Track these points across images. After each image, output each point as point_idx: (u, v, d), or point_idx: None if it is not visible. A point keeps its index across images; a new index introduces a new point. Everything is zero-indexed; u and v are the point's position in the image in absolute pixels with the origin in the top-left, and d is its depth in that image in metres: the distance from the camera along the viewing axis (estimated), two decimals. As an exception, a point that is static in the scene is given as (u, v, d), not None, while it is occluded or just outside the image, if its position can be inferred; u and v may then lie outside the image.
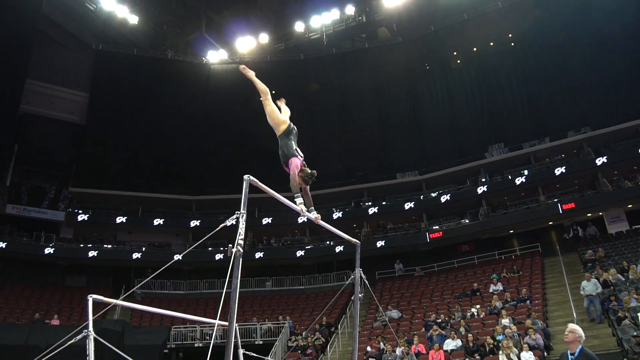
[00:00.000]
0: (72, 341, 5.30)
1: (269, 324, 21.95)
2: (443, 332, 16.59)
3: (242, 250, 3.36)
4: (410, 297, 23.28)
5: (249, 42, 33.75)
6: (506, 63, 30.34)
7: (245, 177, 3.80)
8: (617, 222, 25.11)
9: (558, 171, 25.89)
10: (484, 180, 28.03)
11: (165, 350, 20.40)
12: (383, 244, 27.40)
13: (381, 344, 17.34)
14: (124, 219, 28.80)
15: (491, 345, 14.62)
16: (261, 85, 6.72)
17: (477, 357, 14.44)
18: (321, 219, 5.67)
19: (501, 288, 20.20)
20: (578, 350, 6.03)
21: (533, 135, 28.51)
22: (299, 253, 28.36)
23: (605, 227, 25.28)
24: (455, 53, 32.27)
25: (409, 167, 30.55)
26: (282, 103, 6.91)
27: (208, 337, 20.91)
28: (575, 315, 15.62)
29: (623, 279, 17.10)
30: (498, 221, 26.66)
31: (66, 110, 30.93)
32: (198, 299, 26.60)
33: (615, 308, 14.66)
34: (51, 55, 30.64)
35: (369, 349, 17.37)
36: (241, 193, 3.98)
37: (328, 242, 28.75)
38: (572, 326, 6.24)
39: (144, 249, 28.40)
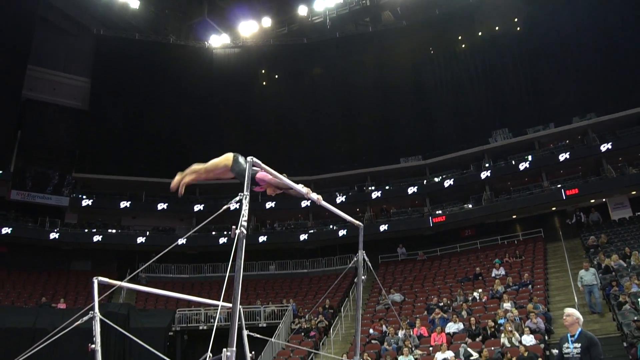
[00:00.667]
0: (78, 322, 5.37)
1: (273, 306, 22.14)
2: (445, 315, 16.72)
3: (245, 232, 3.40)
4: (413, 280, 23.41)
5: (251, 26, 33.54)
6: (511, 48, 30.15)
7: (249, 158, 3.83)
8: (620, 209, 25.11)
9: (562, 157, 25.84)
10: (487, 165, 28.00)
11: (170, 333, 20.59)
12: (386, 228, 27.47)
13: (384, 326, 17.50)
14: (127, 204, 28.94)
15: (492, 329, 14.75)
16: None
17: (479, 340, 14.56)
18: (324, 202, 5.63)
19: (503, 272, 20.30)
20: (578, 332, 6.12)
21: (538, 120, 28.40)
22: (303, 237, 28.47)
23: (609, 213, 25.29)
24: (460, 37, 32.05)
25: (413, 151, 30.52)
26: None
27: (212, 320, 21.12)
28: (576, 300, 15.71)
29: (625, 265, 17.19)
30: (501, 206, 26.68)
31: (68, 96, 30.89)
32: (202, 283, 26.82)
33: (617, 293, 14.75)
34: (52, 40, 30.54)
35: (371, 331, 17.54)
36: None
37: (331, 226, 28.84)
38: (570, 310, 6.34)
39: (148, 233, 28.55)
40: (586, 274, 15.67)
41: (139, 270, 6.18)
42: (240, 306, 4.90)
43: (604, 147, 25.12)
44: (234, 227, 3.43)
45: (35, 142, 29.35)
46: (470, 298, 18.38)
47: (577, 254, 21.84)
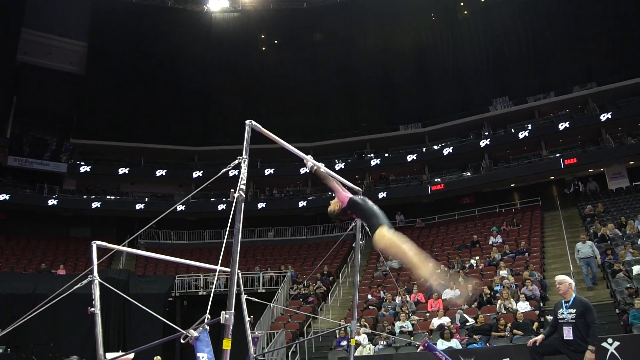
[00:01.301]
0: (78, 286, 5.38)
1: (272, 273, 22.33)
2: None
3: (244, 195, 3.39)
4: (411, 248, 23.53)
5: (251, -10, 32.93)
6: (514, 15, 29.75)
7: (248, 122, 3.79)
8: (617, 179, 25.19)
9: (562, 126, 25.79)
10: (487, 133, 27.94)
11: (170, 299, 20.82)
12: (385, 195, 27.55)
13: (381, 292, 17.69)
14: (126, 170, 28.93)
15: (488, 295, 14.92)
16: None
17: (475, 306, 14.74)
18: (326, 169, 5.60)
19: (500, 240, 20.43)
20: (572, 297, 6.19)
21: (538, 89, 28.27)
22: (301, 204, 28.58)
23: (606, 183, 25.36)
24: (462, 3, 31.52)
25: (412, 119, 30.41)
26: None
27: (212, 286, 21.31)
28: (572, 268, 15.82)
29: (620, 234, 17.31)
30: (500, 175, 26.75)
31: (65, 61, 30.50)
32: (201, 249, 26.99)
33: (611, 262, 14.87)
34: (48, 3, 29.83)
35: (369, 297, 17.74)
36: (243, 144, 3.98)
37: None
38: (560, 277, 6.40)
39: (146, 199, 28.61)
40: (583, 247, 15.08)
41: (137, 233, 6.19)
42: (239, 271, 4.93)
43: (603, 117, 25.05)
44: (232, 190, 3.42)
45: (31, 107, 29.11)
46: (467, 265, 18.54)
47: (574, 223, 21.98)
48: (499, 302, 14.07)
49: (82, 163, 28.50)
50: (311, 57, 32.37)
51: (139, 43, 30.90)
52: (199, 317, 4.38)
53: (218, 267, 4.44)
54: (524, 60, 29.31)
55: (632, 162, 25.00)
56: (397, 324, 14.47)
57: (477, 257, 19.00)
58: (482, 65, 30.17)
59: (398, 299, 16.26)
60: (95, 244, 5.25)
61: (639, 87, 25.78)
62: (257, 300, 7.08)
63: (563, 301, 6.28)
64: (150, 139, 29.86)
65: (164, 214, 4.91)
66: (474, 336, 12.74)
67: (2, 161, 27.25)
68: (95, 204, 27.31)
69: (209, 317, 4.09)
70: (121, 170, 28.87)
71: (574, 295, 6.24)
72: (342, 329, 13.88)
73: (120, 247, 5.52)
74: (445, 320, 13.83)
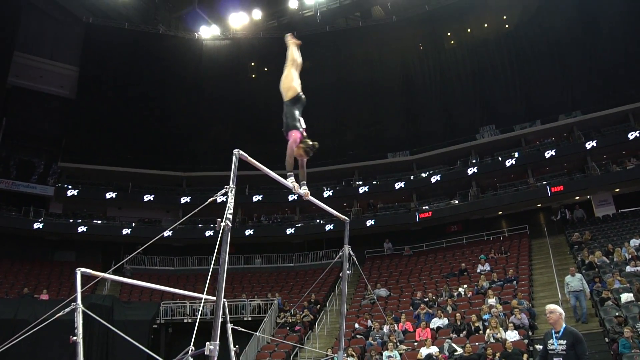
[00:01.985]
0: (60, 314, 5.29)
1: (258, 300, 22.10)
2: (430, 310, 16.80)
3: (230, 225, 3.37)
4: (399, 276, 23.49)
5: (242, 18, 33.28)
6: (500, 45, 30.32)
7: (235, 151, 3.79)
8: (604, 206, 25.37)
9: (548, 154, 26.07)
10: (474, 161, 28.15)
11: (155, 326, 20.50)
12: (373, 223, 27.54)
13: (369, 321, 17.55)
14: (113, 195, 28.70)
15: (477, 324, 14.84)
16: (294, 55, 6.61)
17: (463, 335, 14.65)
18: (312, 197, 5.63)
19: (488, 268, 20.44)
20: (562, 328, 6.15)
21: (524, 117, 28.64)
22: (289, 231, 28.46)
23: (593, 210, 25.55)
24: (449, 34, 32.11)
25: (400, 147, 30.59)
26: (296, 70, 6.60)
27: (198, 313, 21.02)
28: (560, 296, 15.83)
29: (608, 262, 17.37)
30: (487, 202, 26.87)
31: (55, 84, 30.47)
32: (188, 275, 26.69)
33: (599, 289, 14.89)
34: (40, 27, 30.04)
35: (356, 325, 17.58)
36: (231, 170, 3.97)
37: (318, 220, 28.84)
38: (551, 307, 6.37)
39: (133, 224, 28.35)
40: (572, 280, 14.69)
41: (123, 261, 6.12)
42: (225, 300, 4.86)
43: (589, 145, 25.39)
44: (219, 219, 3.40)
45: (20, 130, 28.98)
46: (455, 293, 18.47)
47: (561, 251, 22.07)
48: (488, 331, 13.99)
49: (70, 186, 28.26)
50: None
51: (130, 68, 31.00)
52: (185, 345, 4.31)
53: (204, 296, 4.38)
54: (510, 88, 29.77)
55: (617, 190, 25.27)
56: (385, 353, 14.32)
57: (465, 286, 18.96)
58: (469, 93, 30.59)
59: (386, 328, 16.12)
60: (79, 271, 5.18)
61: (623, 115, 26.26)
62: (243, 330, 6.97)
63: (553, 331, 6.24)
64: (138, 163, 29.73)
65: (152, 241, 4.86)
66: (463, 366, 12.63)
67: (-13, 184, 26.95)
68: (81, 228, 26.99)
69: (193, 348, 4.02)
70: (108, 195, 28.65)
71: (564, 325, 6.21)
72: (329, 358, 13.70)
73: (105, 275, 5.46)
74: (434, 349, 13.71)
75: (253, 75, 34.08)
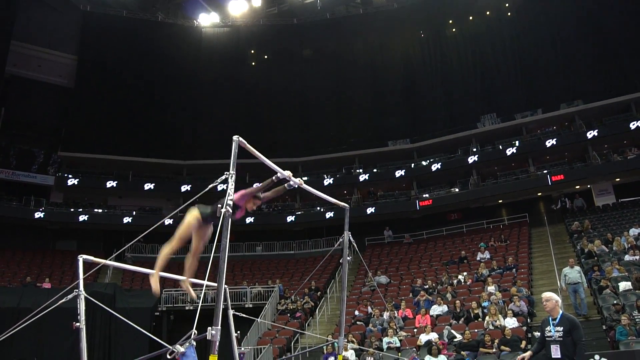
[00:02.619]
0: (63, 301, 5.34)
1: (259, 287, 22.20)
2: (430, 297, 16.89)
3: (230, 211, 3.40)
4: (399, 263, 23.59)
5: (241, 5, 33.01)
6: (502, 33, 30.16)
7: (235, 137, 3.81)
8: (604, 195, 25.44)
9: (549, 143, 26.05)
10: (475, 149, 28.14)
11: (157, 313, 20.61)
12: (373, 211, 27.59)
13: (369, 308, 17.65)
14: (114, 184, 28.72)
15: (476, 311, 14.93)
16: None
17: (462, 322, 14.75)
18: (312, 185, 5.60)
19: (488, 256, 20.50)
20: (559, 315, 6.21)
21: (526, 106, 28.53)
22: (290, 218, 28.53)
23: (593, 199, 25.59)
24: (450, 21, 31.89)
25: (401, 135, 30.55)
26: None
27: (199, 300, 21.05)
28: (559, 284, 15.90)
29: (607, 250, 17.45)
30: (487, 191, 26.89)
31: (54, 73, 30.33)
32: (189, 264, 26.72)
33: (598, 278, 14.97)
34: (38, 16, 29.74)
35: (357, 312, 17.69)
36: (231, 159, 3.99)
37: (318, 208, 28.90)
38: (547, 294, 6.43)
39: (134, 213, 28.40)
40: (571, 272, 14.34)
41: (124, 247, 6.17)
42: (226, 286, 4.91)
43: (590, 134, 25.36)
44: (219, 206, 3.43)
45: (19, 119, 28.90)
46: (455, 281, 18.56)
47: (561, 239, 22.15)
48: (487, 318, 14.08)
49: (70, 176, 28.29)
50: (300, 73, 32.51)
51: (129, 57, 30.84)
52: (186, 331, 4.36)
53: (205, 282, 4.42)
54: (512, 77, 29.66)
55: (618, 179, 25.30)
56: (385, 339, 14.43)
57: (464, 273, 19.05)
58: (470, 81, 30.48)
59: (386, 315, 16.22)
60: (81, 258, 5.23)
61: (624, 105, 26.21)
62: (244, 315, 7.03)
63: (550, 318, 6.30)
64: (138, 152, 29.71)
65: (152, 228, 4.90)
66: (462, 352, 12.73)
67: (-12, 173, 26.98)
68: (82, 217, 27.05)
69: (196, 332, 4.07)
70: (109, 184, 28.67)
71: (560, 312, 6.27)
72: (330, 344, 13.80)
73: (107, 262, 5.49)
74: (433, 336, 13.81)
75: (253, 63, 33.93)
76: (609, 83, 26.88)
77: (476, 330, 13.80)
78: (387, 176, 29.30)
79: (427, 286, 18.37)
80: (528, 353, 6.40)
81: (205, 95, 31.83)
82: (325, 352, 14.47)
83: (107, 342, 17.34)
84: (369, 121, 31.70)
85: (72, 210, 27.72)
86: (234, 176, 3.58)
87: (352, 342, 14.29)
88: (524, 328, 13.42)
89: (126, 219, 27.57)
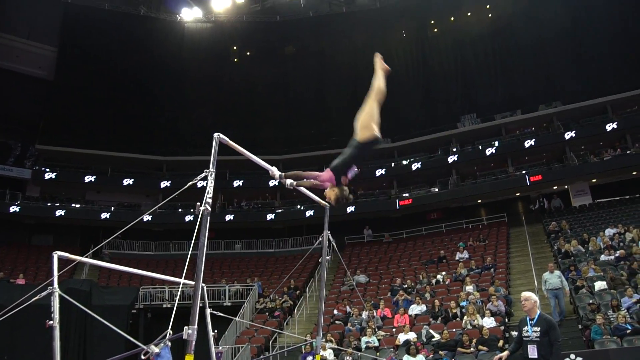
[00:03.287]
0: (37, 298, 5.23)
1: (238, 285, 22.06)
2: (409, 297, 16.95)
3: (209, 209, 3.35)
4: (378, 262, 23.65)
5: (224, 1, 32.86)
6: (482, 34, 30.43)
7: (215, 135, 3.75)
8: (581, 196, 25.80)
9: (528, 143, 26.38)
10: (455, 149, 28.35)
11: (134, 311, 20.37)
12: (353, 210, 27.56)
13: (348, 307, 17.66)
14: (92, 178, 28.32)
15: (455, 311, 15.03)
16: (380, 84, 5.49)
17: (441, 321, 14.83)
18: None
19: (467, 256, 20.66)
20: (537, 315, 6.26)
21: (505, 107, 28.88)
22: (270, 216, 28.44)
23: (570, 199, 25.96)
24: (432, 22, 32.11)
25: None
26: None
27: (176, 298, 20.88)
28: (536, 284, 16.07)
29: (583, 250, 17.70)
30: (467, 190, 27.12)
31: (33, 65, 29.79)
32: (167, 260, 26.53)
33: (574, 277, 15.18)
34: (16, 5, 29.18)
35: (335, 312, 17.69)
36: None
37: (298, 206, 28.84)
38: (526, 294, 6.49)
39: (112, 208, 28.04)
40: (551, 277, 13.90)
41: (102, 244, 6.05)
42: (204, 284, 4.85)
43: (567, 135, 25.73)
44: (198, 203, 3.37)
45: (-5, 111, 28.35)
46: (433, 280, 18.67)
47: (538, 239, 22.41)
48: (465, 317, 14.18)
49: (47, 170, 27.81)
50: (283, 70, 32.43)
51: (110, 50, 30.40)
52: (164, 330, 4.28)
53: (182, 280, 4.36)
54: (492, 78, 30.00)
55: (594, 180, 25.71)
56: (364, 339, 14.45)
57: (443, 273, 19.15)
58: (451, 82, 30.75)
59: (365, 314, 16.25)
60: (56, 255, 5.11)
61: (601, 106, 26.69)
62: (222, 315, 6.96)
63: (528, 318, 6.35)
64: (118, 147, 29.34)
65: (130, 224, 4.80)
66: (440, 352, 12.80)
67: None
68: (59, 212, 26.63)
69: (171, 332, 4.00)
70: (87, 178, 28.25)
71: (538, 312, 6.32)
72: (308, 344, 13.78)
73: (83, 259, 5.39)
74: (412, 335, 13.86)
75: (235, 60, 33.74)
76: (586, 85, 27.33)
77: (454, 330, 13.89)
78: (368, 175, 29.27)
79: (406, 285, 18.44)
80: (505, 353, 6.45)
81: (187, 90, 31.57)
82: (303, 351, 14.45)
83: (83, 339, 17.13)
84: (351, 119, 31.21)
85: (48, 204, 27.25)
86: (213, 174, 3.52)
87: (331, 341, 14.28)
88: (502, 328, 13.54)
89: (104, 215, 27.21)
